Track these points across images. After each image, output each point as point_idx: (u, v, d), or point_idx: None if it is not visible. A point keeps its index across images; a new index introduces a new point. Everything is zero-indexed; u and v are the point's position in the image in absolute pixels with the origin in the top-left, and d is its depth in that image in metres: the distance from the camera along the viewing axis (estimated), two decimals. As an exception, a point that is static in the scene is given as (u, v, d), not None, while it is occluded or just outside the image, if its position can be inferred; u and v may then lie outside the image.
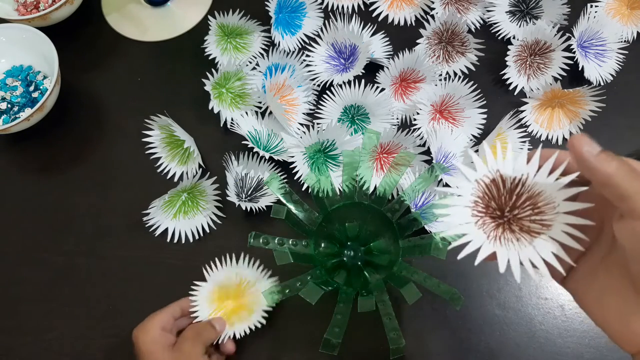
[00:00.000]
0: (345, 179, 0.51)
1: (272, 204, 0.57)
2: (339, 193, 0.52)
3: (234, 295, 0.53)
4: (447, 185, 0.58)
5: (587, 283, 0.30)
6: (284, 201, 0.50)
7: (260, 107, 0.63)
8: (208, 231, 0.59)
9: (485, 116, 0.61)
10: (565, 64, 0.62)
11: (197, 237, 0.59)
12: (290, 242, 0.49)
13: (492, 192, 0.32)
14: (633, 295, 0.27)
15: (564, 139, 0.61)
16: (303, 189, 0.60)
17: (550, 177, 0.31)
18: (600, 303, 0.29)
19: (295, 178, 0.59)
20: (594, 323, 0.30)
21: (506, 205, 0.32)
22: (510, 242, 0.31)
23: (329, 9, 0.69)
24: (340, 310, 0.47)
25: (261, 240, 0.48)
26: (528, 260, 0.30)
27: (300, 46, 0.67)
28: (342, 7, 0.69)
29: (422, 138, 0.60)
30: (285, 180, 0.59)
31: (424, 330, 0.53)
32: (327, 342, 0.45)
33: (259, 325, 0.52)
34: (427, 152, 0.59)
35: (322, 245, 0.52)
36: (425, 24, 0.63)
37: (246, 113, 0.62)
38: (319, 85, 0.64)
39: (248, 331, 0.52)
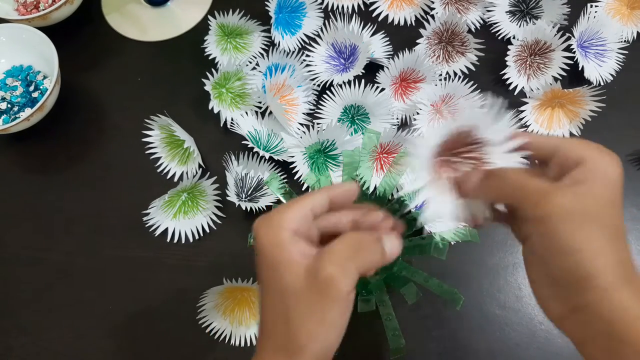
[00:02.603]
0: (345, 179, 0.51)
1: (272, 203, 0.57)
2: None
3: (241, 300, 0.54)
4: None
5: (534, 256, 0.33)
6: (284, 201, 0.50)
7: (260, 107, 0.63)
8: (208, 231, 0.59)
9: (485, 116, 0.61)
10: (565, 64, 0.62)
11: (197, 237, 0.59)
12: None
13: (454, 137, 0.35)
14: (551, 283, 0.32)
15: (564, 139, 0.61)
16: (303, 189, 0.60)
17: (508, 153, 0.33)
18: (541, 283, 0.33)
19: (295, 178, 0.59)
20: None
21: (455, 148, 0.35)
22: (443, 190, 0.35)
23: (329, 9, 0.69)
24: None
25: None
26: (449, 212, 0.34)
27: (300, 46, 0.67)
28: (342, 7, 0.69)
29: (422, 138, 0.60)
30: (285, 180, 0.59)
31: (424, 330, 0.53)
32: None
33: None
34: (427, 152, 0.59)
35: None
36: (425, 24, 0.63)
37: (246, 113, 0.62)
38: (319, 85, 0.64)
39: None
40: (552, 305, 0.32)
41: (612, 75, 0.63)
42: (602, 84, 0.62)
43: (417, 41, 0.64)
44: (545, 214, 0.29)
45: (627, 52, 0.64)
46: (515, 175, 0.32)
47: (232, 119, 0.62)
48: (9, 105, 0.64)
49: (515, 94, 0.63)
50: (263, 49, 0.67)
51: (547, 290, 0.32)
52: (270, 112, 0.62)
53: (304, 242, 0.32)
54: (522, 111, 0.61)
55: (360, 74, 0.62)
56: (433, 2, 0.67)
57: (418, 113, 0.60)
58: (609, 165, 0.31)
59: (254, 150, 0.58)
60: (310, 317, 0.31)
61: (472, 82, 0.60)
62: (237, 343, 0.54)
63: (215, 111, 0.62)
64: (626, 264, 0.29)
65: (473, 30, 0.67)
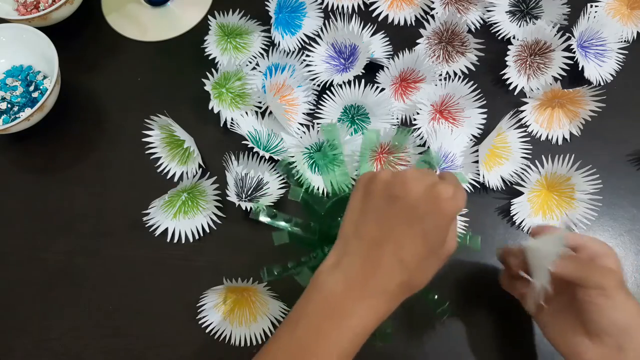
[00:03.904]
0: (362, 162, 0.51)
1: (272, 203, 0.57)
2: (338, 193, 0.52)
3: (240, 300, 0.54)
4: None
5: (551, 319, 0.46)
6: (296, 185, 0.51)
7: (260, 107, 0.63)
8: (208, 231, 0.59)
9: (485, 116, 0.61)
10: (565, 64, 0.62)
11: (197, 237, 0.59)
12: (293, 222, 0.50)
13: None
14: (582, 333, 0.43)
15: (564, 139, 0.61)
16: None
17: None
18: (561, 335, 0.45)
19: (294, 178, 0.59)
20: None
21: None
22: None
23: (329, 9, 0.69)
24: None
25: (267, 214, 0.51)
26: None
27: (300, 46, 0.67)
28: (342, 7, 0.69)
29: (422, 138, 0.60)
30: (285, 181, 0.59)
31: (424, 330, 0.53)
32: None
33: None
34: (427, 152, 0.59)
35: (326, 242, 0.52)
36: (425, 24, 0.63)
37: (246, 113, 0.62)
38: (319, 85, 0.64)
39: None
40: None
41: (612, 75, 0.63)
42: (602, 84, 0.62)
43: (417, 41, 0.64)
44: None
45: (627, 52, 0.64)
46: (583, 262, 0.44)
47: (232, 119, 0.62)
48: (9, 105, 0.64)
49: (515, 94, 0.63)
50: (263, 49, 0.67)
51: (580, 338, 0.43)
52: (270, 112, 0.62)
53: None
54: (522, 111, 0.61)
55: (360, 74, 0.62)
56: (433, 2, 0.67)
57: (418, 113, 0.60)
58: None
59: (254, 150, 0.58)
60: None
61: (472, 82, 0.60)
62: (237, 343, 0.54)
63: (215, 111, 0.62)
64: None
65: (473, 30, 0.67)
